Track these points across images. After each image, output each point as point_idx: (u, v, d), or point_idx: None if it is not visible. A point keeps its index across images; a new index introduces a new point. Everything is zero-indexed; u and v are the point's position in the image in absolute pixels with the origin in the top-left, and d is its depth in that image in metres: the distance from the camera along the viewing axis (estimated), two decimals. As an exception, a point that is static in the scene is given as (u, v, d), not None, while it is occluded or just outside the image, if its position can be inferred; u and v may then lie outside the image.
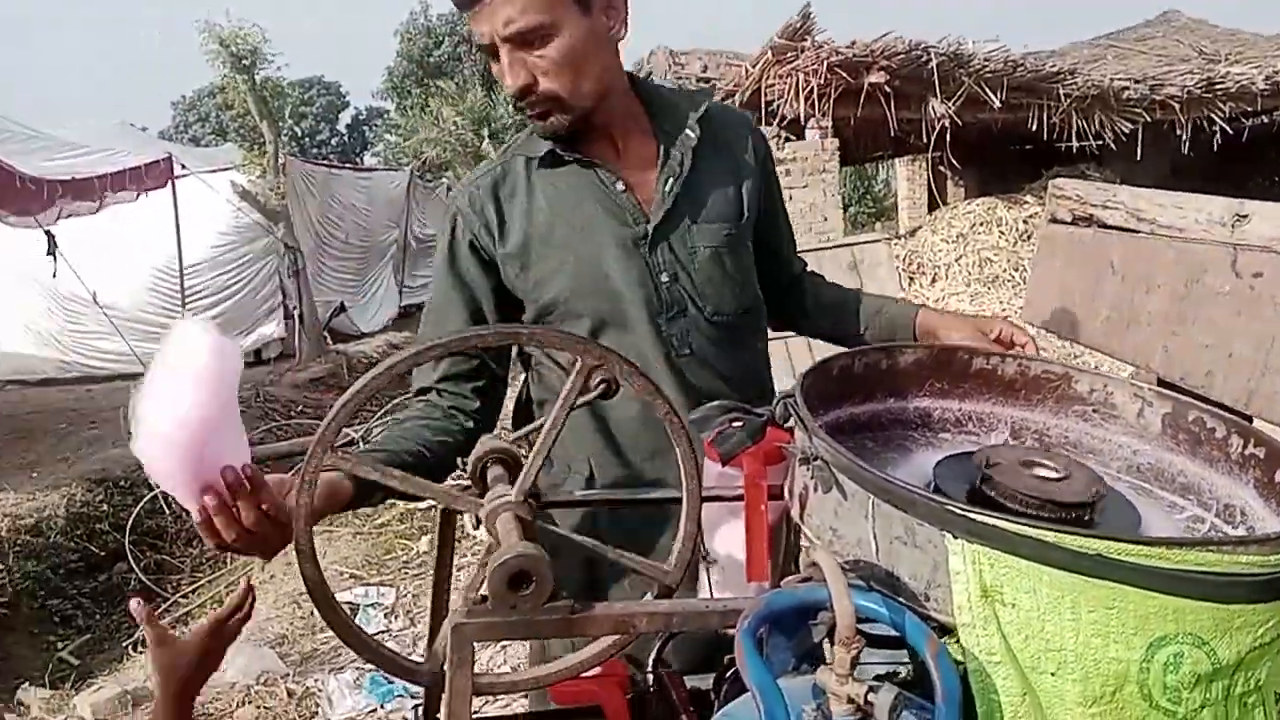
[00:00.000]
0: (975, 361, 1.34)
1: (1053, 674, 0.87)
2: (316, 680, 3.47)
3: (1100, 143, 9.24)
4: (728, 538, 1.26)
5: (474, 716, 1.13)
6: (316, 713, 3.27)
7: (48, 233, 9.03)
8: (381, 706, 3.22)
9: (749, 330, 1.71)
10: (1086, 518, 1.02)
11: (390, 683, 3.25)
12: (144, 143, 11.71)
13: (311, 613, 4.11)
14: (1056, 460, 1.10)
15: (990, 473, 1.06)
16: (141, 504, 6.44)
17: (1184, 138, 9.07)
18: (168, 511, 6.72)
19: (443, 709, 0.91)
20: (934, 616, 0.92)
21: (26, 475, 7.28)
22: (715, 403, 1.16)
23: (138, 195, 9.59)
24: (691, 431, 1.07)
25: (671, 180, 1.59)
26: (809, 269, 1.92)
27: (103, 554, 6.32)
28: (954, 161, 11.18)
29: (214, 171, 12.37)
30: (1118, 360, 2.51)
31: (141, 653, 4.75)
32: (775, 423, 1.13)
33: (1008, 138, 11.34)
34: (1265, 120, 10.53)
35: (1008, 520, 0.87)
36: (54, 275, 9.48)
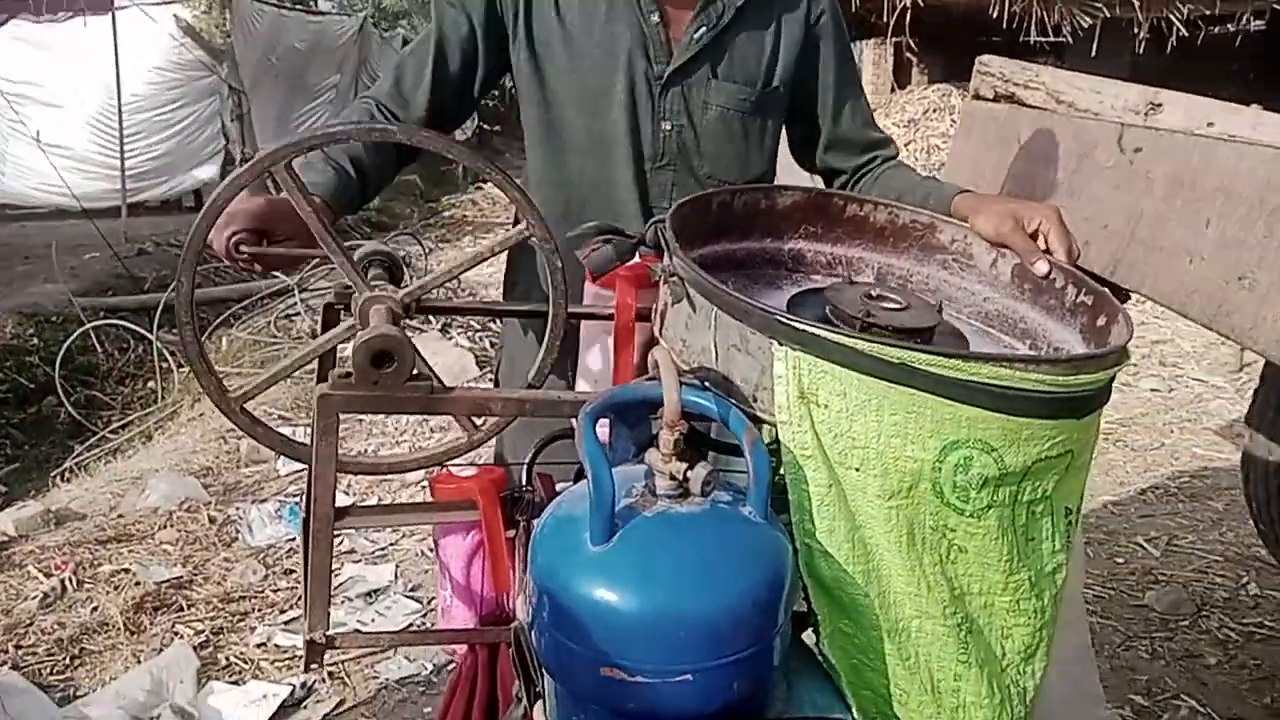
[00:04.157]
0: (849, 207, 1.42)
1: (856, 469, 0.98)
2: (238, 509, 3.56)
3: (1060, 39, 9.20)
4: (600, 353, 1.34)
5: (366, 504, 1.22)
6: (237, 538, 3.38)
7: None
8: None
9: None
10: (921, 343, 1.12)
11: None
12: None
13: (238, 448, 4.19)
14: (900, 295, 1.19)
15: (835, 301, 1.15)
16: (72, 339, 6.40)
17: (1140, 36, 9.06)
18: (99, 350, 6.70)
19: (310, 475, 0.99)
20: (760, 416, 1.02)
21: (-44, 306, 7.21)
22: (591, 223, 1.23)
23: (74, 15, 9.24)
24: (562, 249, 1.13)
25: (704, 29, 1.54)
26: (894, 160, 1.75)
27: (32, 387, 6.33)
28: (917, 47, 11.06)
29: (157, 4, 11.88)
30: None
31: (69, 481, 4.81)
32: (646, 245, 1.20)
33: (974, 27, 11.22)
34: (1222, 30, 10.50)
35: (823, 329, 0.96)
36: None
